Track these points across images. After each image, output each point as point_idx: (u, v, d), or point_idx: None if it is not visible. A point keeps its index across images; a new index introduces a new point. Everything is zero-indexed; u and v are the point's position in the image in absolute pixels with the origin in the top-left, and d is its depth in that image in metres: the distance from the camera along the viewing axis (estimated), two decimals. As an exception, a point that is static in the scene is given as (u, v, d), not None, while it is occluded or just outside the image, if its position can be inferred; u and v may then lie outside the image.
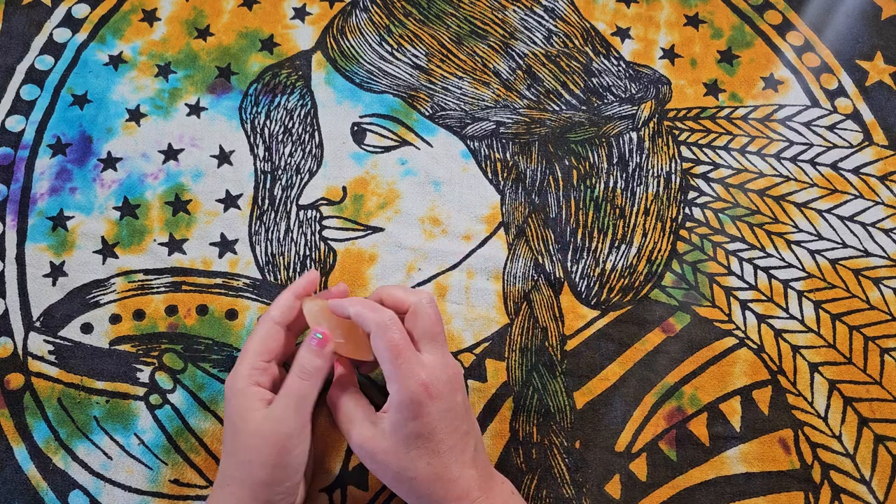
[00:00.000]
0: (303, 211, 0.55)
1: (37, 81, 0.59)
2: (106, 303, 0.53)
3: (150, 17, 0.62)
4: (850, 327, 0.52)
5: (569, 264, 0.54)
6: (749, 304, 0.53)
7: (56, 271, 0.53)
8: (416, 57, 0.58)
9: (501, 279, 0.54)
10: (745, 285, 0.54)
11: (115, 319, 0.52)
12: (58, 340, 0.51)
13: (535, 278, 0.53)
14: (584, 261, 0.54)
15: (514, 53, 0.59)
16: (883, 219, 0.56)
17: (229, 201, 0.56)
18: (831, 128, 0.59)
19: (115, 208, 0.55)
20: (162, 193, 0.56)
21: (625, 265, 0.54)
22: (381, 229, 0.55)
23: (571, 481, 0.48)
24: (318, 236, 0.55)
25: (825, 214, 0.56)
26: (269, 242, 0.55)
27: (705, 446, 0.49)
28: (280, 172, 0.57)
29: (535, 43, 0.59)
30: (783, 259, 0.54)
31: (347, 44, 0.59)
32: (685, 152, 0.58)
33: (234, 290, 0.53)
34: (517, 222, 0.55)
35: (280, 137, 0.57)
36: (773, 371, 0.51)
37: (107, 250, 0.54)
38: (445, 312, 0.53)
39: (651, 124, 0.58)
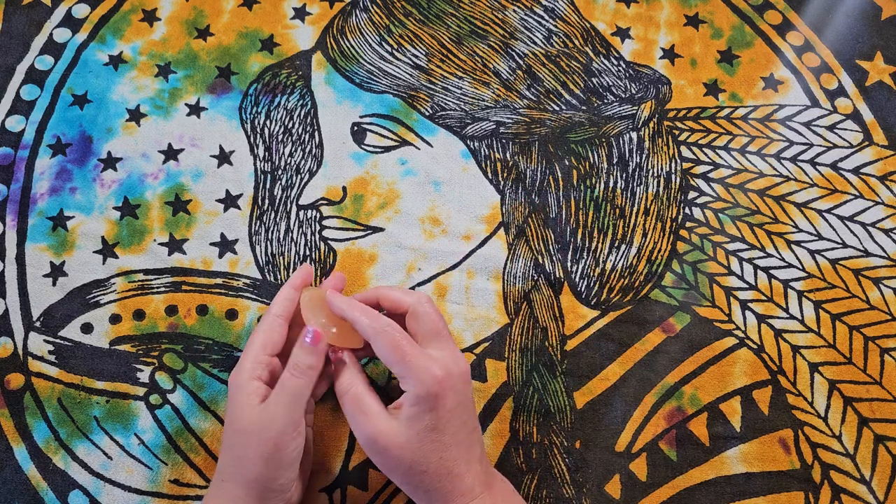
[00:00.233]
0: (303, 211, 0.55)
1: (37, 81, 0.59)
2: (106, 303, 0.53)
3: (150, 17, 0.62)
4: (850, 327, 0.52)
5: (569, 264, 0.54)
6: (749, 304, 0.53)
7: (56, 271, 0.53)
8: (416, 57, 0.58)
9: (501, 279, 0.54)
10: (745, 285, 0.54)
11: (115, 319, 0.52)
12: (58, 340, 0.51)
13: (535, 278, 0.53)
14: (584, 261, 0.54)
15: (514, 53, 0.59)
16: (883, 219, 0.56)
17: (229, 201, 0.56)
18: (831, 128, 0.59)
19: (116, 208, 0.55)
20: (162, 193, 0.56)
21: (625, 265, 0.54)
22: (381, 229, 0.55)
23: (571, 481, 0.48)
24: (318, 236, 0.55)
25: (825, 214, 0.56)
26: (269, 242, 0.55)
27: (705, 446, 0.49)
28: (280, 172, 0.57)
29: (535, 43, 0.59)
30: (783, 259, 0.54)
31: (347, 44, 0.59)
32: (685, 152, 0.58)
33: (234, 290, 0.53)
34: (517, 222, 0.55)
35: (280, 137, 0.57)
36: (773, 371, 0.51)
37: (107, 250, 0.54)
38: (445, 312, 0.53)
39: (651, 124, 0.58)
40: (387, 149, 0.57)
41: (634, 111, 0.58)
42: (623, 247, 0.54)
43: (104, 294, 0.53)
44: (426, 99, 0.58)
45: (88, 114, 0.58)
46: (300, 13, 0.62)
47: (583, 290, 0.53)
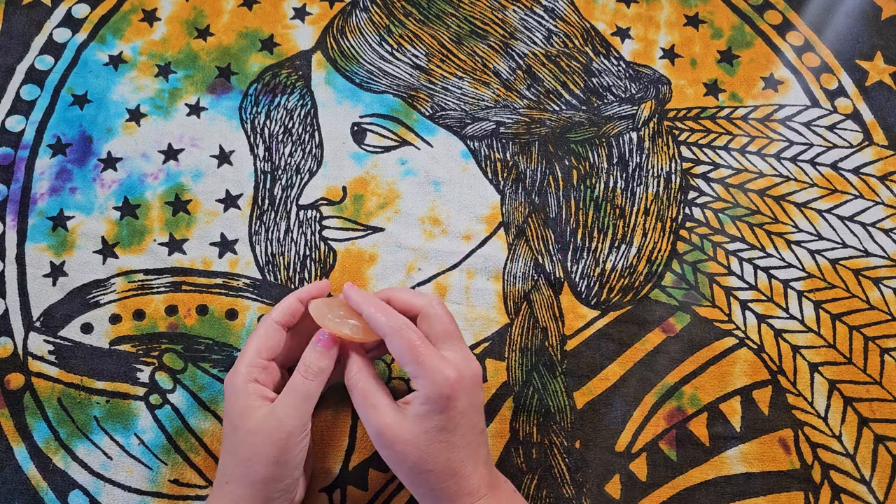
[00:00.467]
0: (303, 211, 0.55)
1: (37, 81, 0.59)
2: (106, 303, 0.53)
3: (150, 17, 0.62)
4: (850, 327, 0.52)
5: (569, 264, 0.54)
6: (749, 304, 0.53)
7: (56, 271, 0.53)
8: (416, 57, 0.58)
9: (501, 279, 0.54)
10: (745, 285, 0.54)
11: (115, 319, 0.52)
12: (58, 340, 0.51)
13: (535, 278, 0.53)
14: (584, 261, 0.54)
15: (514, 53, 0.59)
16: (883, 219, 0.56)
17: (229, 201, 0.56)
18: (831, 128, 0.59)
19: (116, 208, 0.55)
20: (162, 193, 0.56)
21: (625, 265, 0.54)
22: (381, 229, 0.55)
23: (571, 481, 0.48)
24: (318, 236, 0.55)
25: (825, 214, 0.56)
26: (269, 242, 0.55)
27: (705, 446, 0.49)
28: (280, 172, 0.57)
29: (535, 43, 0.59)
30: (783, 259, 0.54)
31: (347, 44, 0.59)
32: (685, 152, 0.58)
33: (234, 290, 0.53)
34: (517, 222, 0.55)
35: (280, 137, 0.57)
36: (773, 371, 0.51)
37: (107, 250, 0.54)
38: (445, 312, 0.53)
39: (651, 124, 0.58)
40: (387, 149, 0.57)
41: (634, 111, 0.58)
42: (623, 247, 0.54)
43: (104, 294, 0.53)
44: (426, 99, 0.58)
45: (88, 114, 0.58)
46: (300, 13, 0.62)
47: (583, 290, 0.53)
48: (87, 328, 0.52)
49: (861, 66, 0.61)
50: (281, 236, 0.55)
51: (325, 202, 0.56)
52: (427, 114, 0.57)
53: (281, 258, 0.54)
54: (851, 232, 0.55)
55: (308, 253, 0.54)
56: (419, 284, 0.54)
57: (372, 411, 0.40)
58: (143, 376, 0.51)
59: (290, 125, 0.58)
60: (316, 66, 0.60)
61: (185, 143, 0.57)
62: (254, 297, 0.53)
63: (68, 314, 0.52)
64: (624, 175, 0.56)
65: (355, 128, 0.57)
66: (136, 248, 0.54)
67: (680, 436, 0.50)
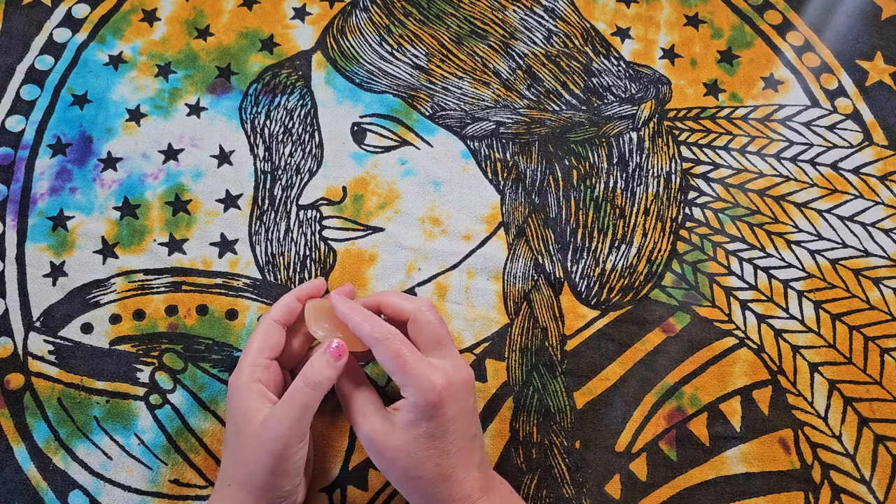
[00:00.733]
0: (303, 211, 0.55)
1: (37, 81, 0.59)
2: (106, 303, 0.53)
3: (150, 17, 0.62)
4: (850, 327, 0.52)
5: (569, 264, 0.54)
6: (749, 304, 0.53)
7: (56, 271, 0.53)
8: (416, 57, 0.58)
9: (501, 279, 0.54)
10: (745, 285, 0.54)
11: (115, 319, 0.52)
12: (58, 340, 0.51)
13: (535, 278, 0.53)
14: (584, 261, 0.54)
15: (514, 53, 0.59)
16: (883, 219, 0.56)
17: (229, 201, 0.56)
18: (831, 128, 0.59)
19: (116, 208, 0.55)
20: (162, 193, 0.56)
21: (625, 265, 0.54)
22: (381, 229, 0.55)
23: (571, 481, 0.48)
24: (318, 236, 0.55)
25: (825, 214, 0.56)
26: (269, 242, 0.55)
27: (705, 446, 0.49)
28: (280, 172, 0.57)
29: (535, 43, 0.59)
30: (783, 259, 0.54)
31: (347, 44, 0.59)
32: (685, 152, 0.58)
33: (234, 290, 0.53)
34: (517, 222, 0.55)
35: (280, 137, 0.57)
36: (773, 371, 0.51)
37: (107, 250, 0.54)
38: (445, 312, 0.53)
39: (651, 124, 0.58)
40: (387, 149, 0.57)
41: (634, 111, 0.58)
42: (623, 247, 0.54)
43: (104, 294, 0.53)
44: (426, 99, 0.58)
45: (88, 114, 0.58)
46: (300, 13, 0.62)
47: (583, 290, 0.53)
48: (87, 328, 0.52)
49: (861, 66, 0.61)
50: (281, 236, 0.55)
51: (325, 202, 0.56)
52: (427, 114, 0.57)
53: (281, 258, 0.54)
54: (851, 232, 0.55)
55: (308, 253, 0.54)
56: (419, 285, 0.54)
57: (361, 419, 0.41)
58: (143, 376, 0.51)
59: (290, 125, 0.58)
60: (316, 66, 0.60)
61: (185, 143, 0.57)
62: (254, 297, 0.53)
63: (68, 314, 0.52)
64: (624, 175, 0.56)
65: (355, 128, 0.57)
66: (136, 248, 0.54)
67: (680, 436, 0.50)
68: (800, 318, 0.53)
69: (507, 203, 0.56)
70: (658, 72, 0.60)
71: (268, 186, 0.56)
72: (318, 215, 0.55)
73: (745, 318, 0.53)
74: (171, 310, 0.53)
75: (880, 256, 0.54)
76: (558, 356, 0.51)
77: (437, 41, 0.59)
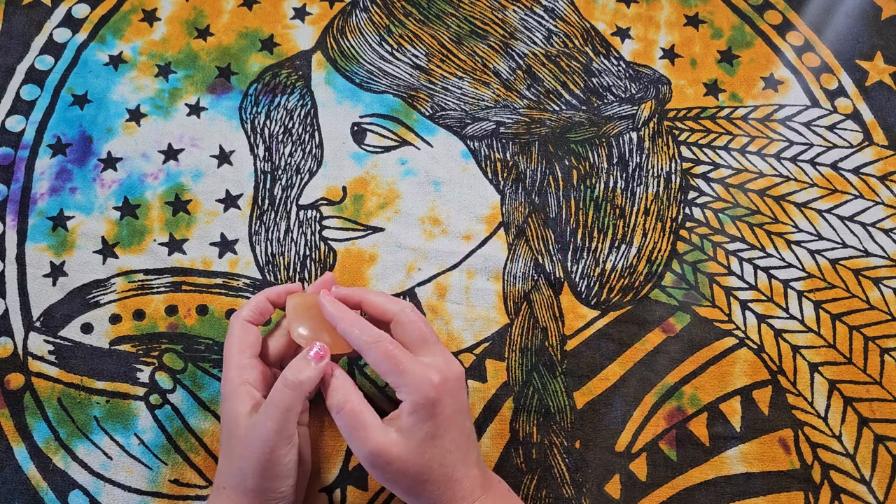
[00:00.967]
0: (303, 211, 0.55)
1: (37, 81, 0.59)
2: (106, 303, 0.53)
3: (150, 17, 0.62)
4: (850, 327, 0.52)
5: (569, 264, 0.54)
6: (749, 304, 0.53)
7: (56, 271, 0.53)
8: (416, 57, 0.58)
9: (501, 279, 0.54)
10: (745, 285, 0.54)
11: (115, 319, 0.52)
12: (58, 340, 0.51)
13: (535, 278, 0.53)
14: (584, 261, 0.54)
15: (514, 53, 0.59)
16: (883, 219, 0.56)
17: (229, 201, 0.56)
18: (831, 128, 0.59)
19: (116, 208, 0.55)
20: (162, 193, 0.56)
21: (625, 265, 0.54)
22: (381, 229, 0.55)
23: (571, 481, 0.48)
24: (318, 236, 0.55)
25: (825, 214, 0.56)
26: (269, 242, 0.55)
27: (705, 446, 0.49)
28: (280, 172, 0.57)
29: (535, 43, 0.59)
30: (783, 259, 0.54)
31: (347, 44, 0.59)
32: (685, 152, 0.58)
33: (234, 290, 0.53)
34: (517, 222, 0.55)
35: (280, 137, 0.57)
36: (773, 371, 0.51)
37: (107, 250, 0.54)
38: (445, 312, 0.53)
39: (651, 124, 0.58)
40: (387, 149, 0.57)
41: (634, 111, 0.58)
42: (623, 247, 0.54)
43: (104, 294, 0.53)
44: (426, 99, 0.58)
45: (88, 114, 0.58)
46: (300, 13, 0.62)
47: (583, 290, 0.53)
48: (87, 328, 0.52)
49: (861, 66, 0.61)
50: (281, 236, 0.55)
51: (325, 202, 0.56)
52: (427, 114, 0.57)
53: (281, 258, 0.54)
54: (851, 232, 0.55)
55: (308, 253, 0.54)
56: (419, 285, 0.54)
57: (362, 434, 0.39)
58: (143, 376, 0.51)
59: (290, 125, 0.58)
60: (316, 66, 0.60)
61: (185, 143, 0.57)
62: (254, 297, 0.53)
63: (68, 314, 0.52)
64: (624, 175, 0.56)
65: (355, 128, 0.57)
66: (136, 248, 0.54)
67: (680, 436, 0.50)
68: (800, 318, 0.53)
69: (507, 203, 0.56)
70: (658, 72, 0.60)
71: (268, 186, 0.56)
72: (318, 215, 0.55)
73: (745, 318, 0.53)
74: (171, 310, 0.53)
75: (880, 256, 0.54)
76: (558, 356, 0.51)
77: (437, 41, 0.59)
